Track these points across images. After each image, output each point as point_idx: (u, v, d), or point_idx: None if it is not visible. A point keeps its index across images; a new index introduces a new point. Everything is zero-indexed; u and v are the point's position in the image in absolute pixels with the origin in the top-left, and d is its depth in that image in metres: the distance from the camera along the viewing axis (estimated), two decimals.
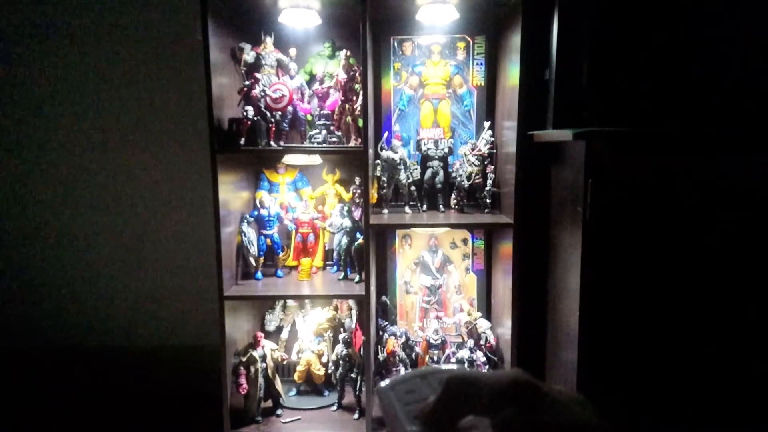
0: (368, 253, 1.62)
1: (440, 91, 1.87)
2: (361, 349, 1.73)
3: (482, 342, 1.77)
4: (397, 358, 1.70)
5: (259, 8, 1.71)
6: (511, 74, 1.61)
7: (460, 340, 1.87)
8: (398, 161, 1.74)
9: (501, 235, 1.76)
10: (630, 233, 1.31)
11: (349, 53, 1.71)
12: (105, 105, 1.97)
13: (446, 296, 1.95)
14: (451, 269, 1.94)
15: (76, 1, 1.92)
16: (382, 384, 0.47)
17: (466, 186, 1.76)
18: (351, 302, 1.88)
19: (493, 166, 1.77)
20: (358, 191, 1.76)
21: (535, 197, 1.67)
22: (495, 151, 1.79)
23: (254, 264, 1.75)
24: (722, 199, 1.30)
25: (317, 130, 1.73)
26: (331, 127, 1.72)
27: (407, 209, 1.79)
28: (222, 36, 1.60)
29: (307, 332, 1.90)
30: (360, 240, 1.70)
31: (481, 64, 1.86)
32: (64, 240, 2.04)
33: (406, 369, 1.72)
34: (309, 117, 1.76)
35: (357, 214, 1.74)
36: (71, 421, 1.97)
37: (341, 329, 1.85)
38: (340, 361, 1.76)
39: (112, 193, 2.01)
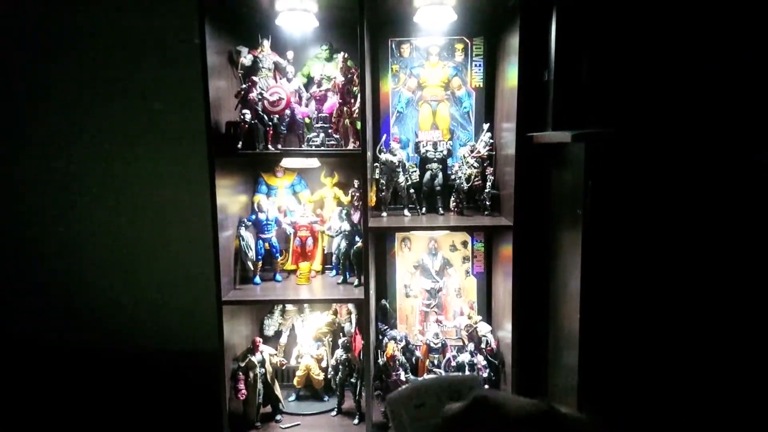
0: (367, 257, 1.61)
1: (439, 93, 1.86)
2: (361, 354, 1.71)
3: (483, 345, 1.76)
4: (397, 362, 1.69)
5: (257, 11, 1.70)
6: (510, 76, 1.60)
7: (461, 343, 1.86)
8: (397, 164, 1.73)
9: (501, 237, 1.75)
10: (630, 235, 1.30)
11: (346, 56, 1.70)
12: (102, 109, 1.96)
13: (446, 299, 1.93)
14: (451, 272, 1.93)
15: (73, 4, 1.91)
16: (392, 395, 0.46)
17: (465, 188, 1.75)
18: (350, 306, 1.87)
19: (492, 168, 1.76)
20: (357, 194, 1.75)
21: (535, 199, 1.66)
22: (494, 153, 1.78)
23: (252, 268, 1.74)
24: (723, 199, 1.29)
25: (315, 133, 1.72)
26: (329, 130, 1.71)
27: (406, 212, 1.78)
28: (219, 39, 1.59)
29: (306, 337, 1.89)
30: (359, 243, 1.68)
31: (480, 65, 1.85)
32: (62, 244, 2.02)
33: (406, 373, 1.70)
34: (307, 120, 1.76)
35: (356, 217, 1.73)
36: (70, 426, 1.96)
37: (340, 334, 1.83)
38: (340, 366, 1.75)
39: (109, 197, 2.00)
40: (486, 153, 1.75)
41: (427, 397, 0.45)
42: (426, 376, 1.76)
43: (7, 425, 1.96)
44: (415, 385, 0.48)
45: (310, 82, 1.82)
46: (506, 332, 1.67)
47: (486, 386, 1.70)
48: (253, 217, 1.76)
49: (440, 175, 1.80)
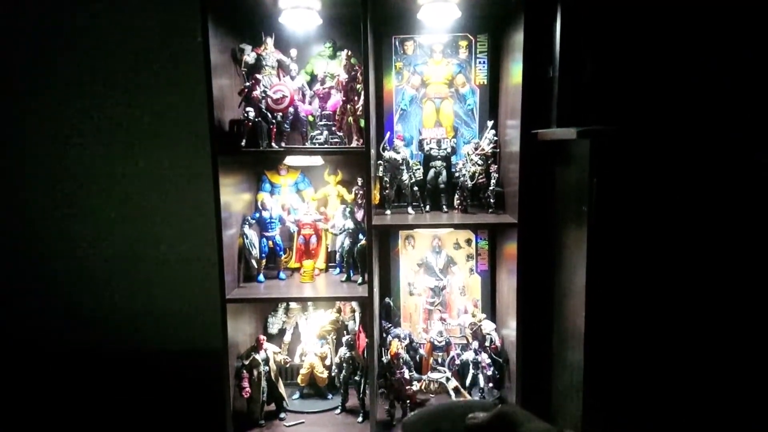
0: (371, 255, 1.60)
1: (442, 90, 1.85)
2: (365, 352, 1.71)
3: (487, 343, 1.76)
4: (401, 360, 1.69)
5: (260, 9, 1.70)
6: (514, 72, 1.59)
7: (465, 341, 1.85)
8: (401, 161, 1.73)
9: (505, 235, 1.74)
10: (636, 232, 1.30)
11: (350, 53, 1.69)
12: (105, 107, 1.96)
13: (450, 297, 1.93)
14: (455, 270, 1.92)
15: (76, 2, 1.91)
16: (408, 420, 0.46)
17: (469, 186, 1.75)
18: (354, 304, 1.87)
19: (496, 166, 1.76)
20: (361, 192, 1.74)
21: (540, 196, 1.65)
22: (498, 150, 1.78)
23: (256, 266, 1.74)
24: (726, 197, 1.28)
25: (319, 131, 1.72)
26: (333, 128, 1.71)
27: (410, 210, 1.77)
28: (222, 37, 1.59)
29: (310, 335, 1.89)
30: (363, 241, 1.68)
31: (484, 62, 1.84)
32: (65, 243, 2.03)
33: (410, 371, 1.70)
34: (310, 118, 1.75)
35: (359, 215, 1.73)
36: (74, 425, 1.97)
37: (344, 332, 1.83)
38: (344, 364, 1.75)
39: (113, 196, 2.00)
40: (490, 150, 1.75)
41: (443, 423, 0.45)
42: (430, 375, 1.76)
43: (10, 426, 1.97)
44: (430, 410, 0.48)
45: (313, 79, 1.82)
46: (510, 330, 1.66)
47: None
48: (257, 215, 1.76)
49: (444, 172, 1.80)
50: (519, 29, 1.52)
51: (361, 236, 1.70)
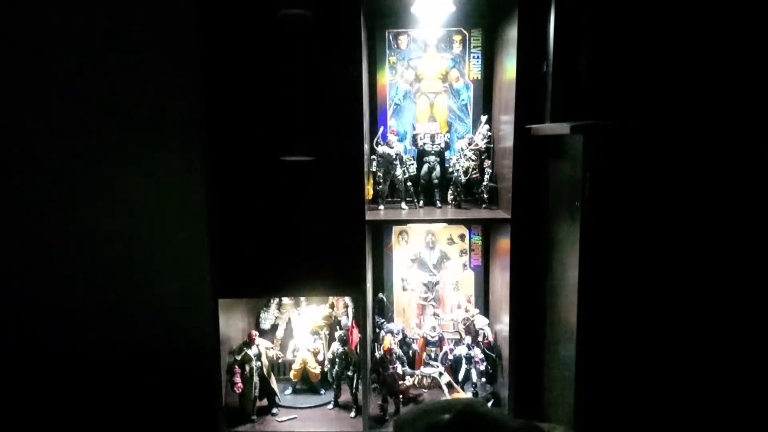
0: (364, 250, 1.60)
1: (436, 85, 1.85)
2: (358, 347, 1.71)
3: (480, 338, 1.76)
4: (394, 355, 1.68)
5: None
6: (508, 67, 1.59)
7: (458, 336, 1.86)
8: (394, 156, 1.72)
9: (499, 230, 1.74)
10: (629, 227, 1.30)
11: None
12: (99, 108, 1.94)
13: (443, 293, 1.93)
14: (449, 265, 1.92)
15: (71, 3, 1.88)
16: (399, 419, 0.46)
17: (463, 181, 1.74)
18: (347, 299, 1.86)
19: (490, 161, 1.75)
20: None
21: (533, 192, 1.65)
22: (492, 145, 1.77)
23: None
24: (723, 193, 1.28)
25: None
26: None
27: (403, 205, 1.77)
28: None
29: (302, 330, 1.89)
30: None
31: (478, 57, 1.84)
32: (56, 241, 2.00)
33: (403, 366, 1.70)
34: None
35: None
36: (65, 423, 1.95)
37: (337, 327, 1.83)
38: (336, 359, 1.75)
39: (105, 191, 1.98)
40: (484, 145, 1.75)
41: (435, 422, 0.45)
42: (423, 371, 1.76)
43: (4, 426, 1.96)
44: (421, 407, 0.48)
45: None
46: (503, 325, 1.67)
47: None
48: None
49: (438, 167, 1.79)
50: (513, 24, 1.52)
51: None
